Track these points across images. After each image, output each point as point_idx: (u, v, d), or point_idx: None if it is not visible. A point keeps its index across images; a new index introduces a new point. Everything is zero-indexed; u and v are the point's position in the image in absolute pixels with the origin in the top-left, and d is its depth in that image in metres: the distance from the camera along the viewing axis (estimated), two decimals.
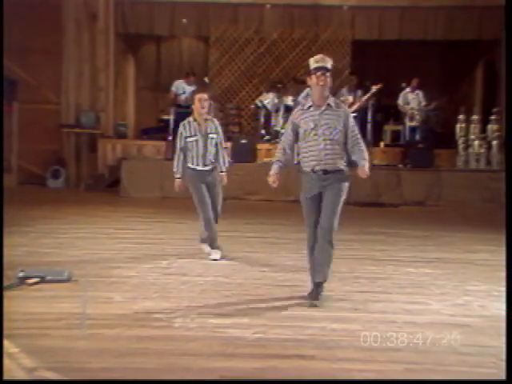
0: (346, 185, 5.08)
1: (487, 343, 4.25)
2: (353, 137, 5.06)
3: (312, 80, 5.01)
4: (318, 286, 5.08)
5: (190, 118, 6.47)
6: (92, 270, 5.72)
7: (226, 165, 6.63)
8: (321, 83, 4.96)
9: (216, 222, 6.58)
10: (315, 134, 5.00)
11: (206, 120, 6.45)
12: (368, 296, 5.30)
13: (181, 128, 6.48)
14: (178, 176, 6.52)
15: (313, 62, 5.01)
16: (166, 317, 4.62)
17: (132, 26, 13.48)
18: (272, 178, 5.13)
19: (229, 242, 7.00)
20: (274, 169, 5.16)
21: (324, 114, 5.01)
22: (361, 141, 5.12)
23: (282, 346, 4.10)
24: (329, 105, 5.03)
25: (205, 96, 6.40)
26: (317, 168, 5.02)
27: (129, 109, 14.62)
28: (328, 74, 4.96)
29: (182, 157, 6.49)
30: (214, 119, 6.65)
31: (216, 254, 6.52)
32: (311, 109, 5.06)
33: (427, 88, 12.80)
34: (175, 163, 6.53)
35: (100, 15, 13.08)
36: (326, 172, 5.01)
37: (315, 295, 5.04)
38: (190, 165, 6.47)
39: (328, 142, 4.99)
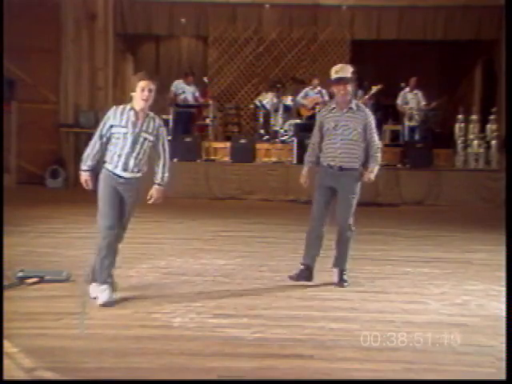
0: (359, 184, 5.54)
1: (485, 343, 4.26)
2: (369, 139, 5.49)
3: (334, 89, 5.54)
4: (341, 272, 5.60)
5: (128, 105, 4.87)
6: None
7: (165, 177, 4.99)
8: (342, 92, 5.47)
9: (119, 240, 5.04)
10: (335, 134, 5.47)
11: (146, 115, 4.86)
12: (366, 296, 5.31)
13: (110, 112, 4.87)
14: (85, 168, 4.88)
15: (333, 73, 5.52)
16: (165, 317, 4.63)
17: (131, 25, 13.46)
18: (303, 178, 5.64)
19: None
20: (306, 170, 5.67)
21: (345, 115, 5.48)
22: (377, 145, 5.53)
23: (280, 345, 4.11)
24: (350, 108, 5.48)
25: (150, 85, 4.78)
26: (332, 163, 5.50)
27: None
28: (348, 83, 5.42)
29: (98, 146, 4.85)
30: (157, 118, 4.95)
31: (102, 294, 4.81)
32: (334, 110, 5.56)
33: (426, 88, 12.78)
34: (87, 151, 4.87)
35: (99, 15, 13.03)
36: (341, 168, 5.48)
37: (341, 281, 5.55)
38: (106, 164, 4.87)
39: (345, 141, 5.46)
